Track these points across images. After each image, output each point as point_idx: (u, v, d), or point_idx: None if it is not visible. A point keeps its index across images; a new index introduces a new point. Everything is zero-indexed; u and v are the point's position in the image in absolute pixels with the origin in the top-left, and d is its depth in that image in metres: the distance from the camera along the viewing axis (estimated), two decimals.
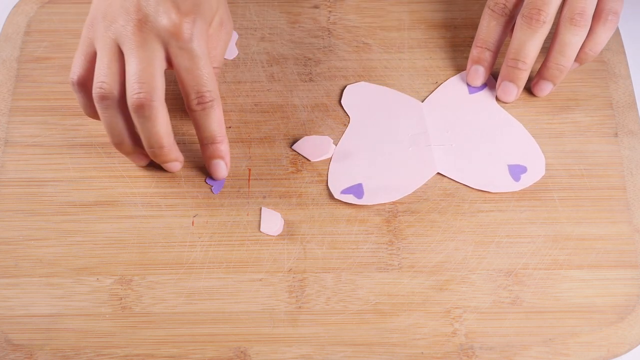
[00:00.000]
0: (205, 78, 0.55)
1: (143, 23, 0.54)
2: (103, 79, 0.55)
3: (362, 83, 0.65)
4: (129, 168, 0.61)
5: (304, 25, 0.68)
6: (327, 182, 0.60)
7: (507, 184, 0.60)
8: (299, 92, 0.64)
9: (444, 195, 0.60)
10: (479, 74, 0.63)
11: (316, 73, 0.65)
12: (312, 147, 0.61)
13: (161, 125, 0.55)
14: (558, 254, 0.58)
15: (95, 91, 0.55)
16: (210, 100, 0.56)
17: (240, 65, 0.66)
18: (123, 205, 0.59)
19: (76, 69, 0.56)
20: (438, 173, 0.60)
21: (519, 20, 0.60)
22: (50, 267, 0.57)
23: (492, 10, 0.61)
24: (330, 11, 0.68)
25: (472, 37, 0.66)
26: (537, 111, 0.63)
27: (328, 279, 0.57)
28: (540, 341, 0.55)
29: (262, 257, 0.58)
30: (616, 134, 0.62)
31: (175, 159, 0.59)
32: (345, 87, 0.64)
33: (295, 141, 0.62)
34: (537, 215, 0.59)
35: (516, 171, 0.60)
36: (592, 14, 0.59)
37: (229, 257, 0.58)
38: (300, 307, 0.56)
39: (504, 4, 0.61)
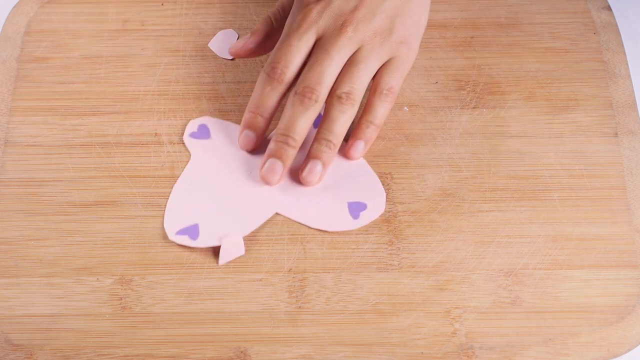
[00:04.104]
0: None
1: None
2: None
3: (206, 118, 0.63)
4: (129, 168, 0.61)
5: None
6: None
7: (345, 223, 0.58)
8: None
9: (444, 195, 0.60)
10: (249, 138, 0.60)
11: None
12: None
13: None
14: (558, 254, 0.58)
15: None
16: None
17: (240, 65, 0.66)
18: (123, 205, 0.59)
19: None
20: (277, 212, 0.59)
21: (291, 97, 0.58)
22: (50, 267, 0.57)
23: (268, 75, 0.59)
24: None
25: (472, 37, 0.66)
26: (537, 111, 0.63)
27: (328, 279, 0.57)
28: (540, 341, 0.55)
29: (262, 257, 0.58)
30: (616, 134, 0.62)
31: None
32: (189, 122, 0.63)
33: None
34: (537, 215, 0.59)
35: (356, 209, 0.59)
36: (361, 93, 0.59)
37: None
38: (300, 307, 0.56)
39: (282, 71, 0.59)
